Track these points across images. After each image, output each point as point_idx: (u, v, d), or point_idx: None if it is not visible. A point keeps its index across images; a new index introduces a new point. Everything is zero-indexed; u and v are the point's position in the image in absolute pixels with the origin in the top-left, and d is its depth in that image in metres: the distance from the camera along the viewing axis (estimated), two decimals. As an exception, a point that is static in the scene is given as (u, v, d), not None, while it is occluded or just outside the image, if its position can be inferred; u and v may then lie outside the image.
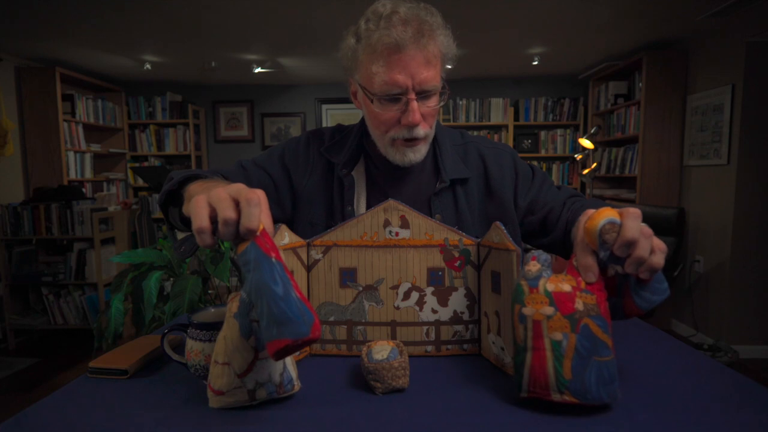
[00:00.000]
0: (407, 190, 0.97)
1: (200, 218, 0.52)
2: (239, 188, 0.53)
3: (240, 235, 0.52)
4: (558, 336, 0.56)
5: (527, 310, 0.57)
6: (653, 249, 0.55)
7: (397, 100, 0.84)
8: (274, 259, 0.51)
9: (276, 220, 0.94)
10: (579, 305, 0.56)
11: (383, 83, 0.82)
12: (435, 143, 0.98)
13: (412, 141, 0.88)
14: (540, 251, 0.63)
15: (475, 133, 4.79)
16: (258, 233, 0.52)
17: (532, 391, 0.57)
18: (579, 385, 0.55)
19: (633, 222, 0.54)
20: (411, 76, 0.81)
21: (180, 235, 0.77)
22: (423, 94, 0.84)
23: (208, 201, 0.53)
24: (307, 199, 0.98)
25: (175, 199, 0.76)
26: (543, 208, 0.96)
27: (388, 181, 0.97)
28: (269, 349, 0.50)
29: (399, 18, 0.80)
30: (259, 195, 0.53)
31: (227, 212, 0.51)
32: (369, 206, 0.96)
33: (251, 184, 0.82)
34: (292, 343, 0.49)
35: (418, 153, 0.89)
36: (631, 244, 0.54)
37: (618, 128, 4.08)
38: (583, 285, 0.57)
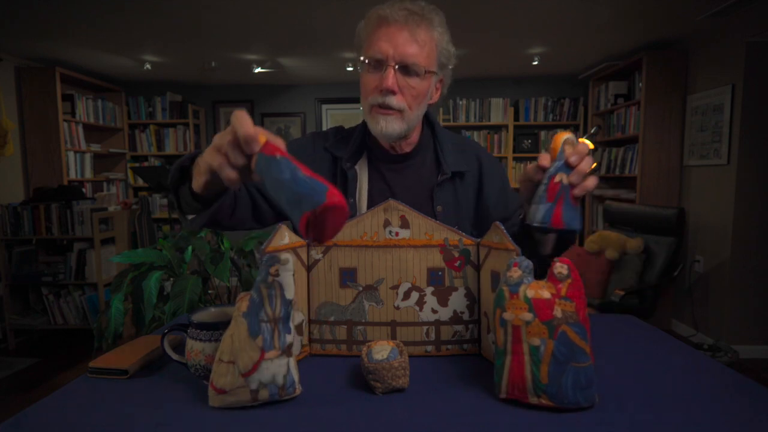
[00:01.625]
0: (409, 182, 1.00)
1: (212, 156, 0.58)
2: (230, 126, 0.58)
3: (246, 150, 0.55)
4: (536, 341, 0.58)
5: (507, 315, 0.60)
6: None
7: (378, 68, 0.90)
8: (279, 157, 0.53)
9: (283, 214, 0.96)
10: (557, 312, 0.58)
11: (369, 49, 0.89)
12: (435, 139, 1.04)
13: (385, 109, 0.91)
14: (522, 257, 0.63)
15: (475, 133, 4.80)
16: (260, 143, 0.54)
17: (511, 393, 0.59)
18: (555, 389, 0.57)
19: (584, 147, 0.70)
20: (393, 46, 0.87)
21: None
22: (405, 69, 0.89)
23: (214, 148, 0.58)
24: None
25: (185, 178, 0.77)
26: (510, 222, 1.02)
27: (390, 174, 1.00)
28: (302, 231, 0.52)
29: (401, 4, 0.89)
30: (242, 113, 0.56)
31: (227, 137, 0.56)
32: (371, 199, 0.98)
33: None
34: (312, 214, 0.51)
35: (390, 124, 0.92)
36: (581, 157, 0.69)
37: (618, 128, 4.08)
38: (563, 292, 0.59)
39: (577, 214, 0.70)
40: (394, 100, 0.90)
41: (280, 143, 0.56)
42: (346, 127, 1.08)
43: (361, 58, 0.92)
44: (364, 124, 1.01)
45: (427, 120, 1.04)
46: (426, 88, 0.92)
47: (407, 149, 1.00)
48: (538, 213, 0.70)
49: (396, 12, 0.87)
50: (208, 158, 0.59)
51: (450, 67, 0.97)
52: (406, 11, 0.87)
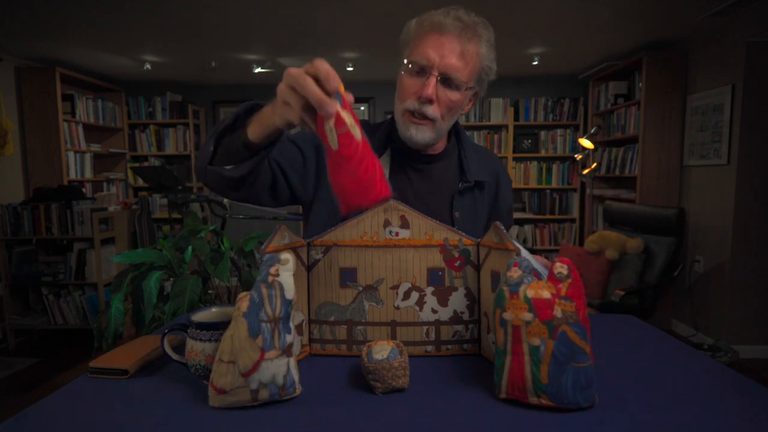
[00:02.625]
0: (430, 184, 1.01)
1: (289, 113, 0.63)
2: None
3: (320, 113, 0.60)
4: (536, 341, 0.58)
5: (507, 315, 0.60)
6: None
7: (421, 74, 0.90)
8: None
9: (297, 197, 0.99)
10: (557, 312, 0.58)
11: (416, 53, 0.90)
12: (460, 145, 1.05)
13: (419, 117, 0.92)
14: (522, 257, 0.63)
15: (475, 133, 4.80)
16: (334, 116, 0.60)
17: (511, 393, 0.59)
18: (555, 389, 0.57)
19: None
20: (441, 56, 0.88)
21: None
22: (446, 80, 0.89)
23: (288, 85, 0.62)
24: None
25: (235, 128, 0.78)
26: None
27: (413, 174, 1.01)
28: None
29: (455, 14, 0.89)
30: (326, 68, 0.62)
31: (300, 101, 0.62)
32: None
33: (283, 155, 0.94)
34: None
35: (421, 134, 0.93)
36: None
37: (618, 128, 4.08)
38: (563, 292, 0.59)
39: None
40: (431, 110, 0.90)
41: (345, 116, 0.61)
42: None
43: (405, 60, 0.92)
44: (391, 120, 1.01)
45: (454, 127, 1.05)
46: (461, 101, 0.93)
47: (432, 152, 1.01)
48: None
49: (451, 22, 0.88)
50: (288, 114, 0.63)
51: (487, 82, 0.97)
52: (460, 23, 0.88)
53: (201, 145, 0.84)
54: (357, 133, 0.62)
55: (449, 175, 1.02)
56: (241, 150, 0.75)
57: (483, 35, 0.91)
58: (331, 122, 0.60)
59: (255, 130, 0.72)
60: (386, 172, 1.01)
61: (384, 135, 1.02)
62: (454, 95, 0.90)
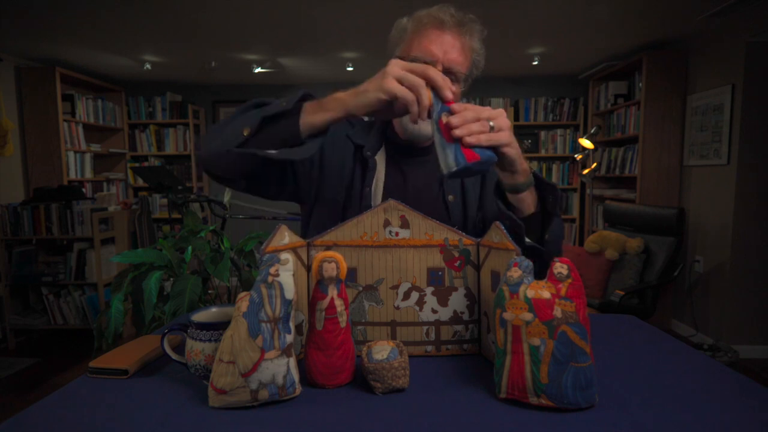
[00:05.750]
0: (424, 176, 1.02)
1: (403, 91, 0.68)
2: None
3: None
4: (536, 341, 0.58)
5: (507, 315, 0.60)
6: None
7: None
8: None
9: (300, 193, 1.00)
10: (557, 312, 0.58)
11: (419, 50, 0.90)
12: None
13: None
14: (522, 257, 0.63)
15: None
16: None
17: (511, 393, 0.59)
18: (555, 389, 0.56)
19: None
20: (444, 51, 0.90)
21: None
22: (449, 75, 0.90)
23: (394, 77, 0.68)
24: (330, 175, 1.01)
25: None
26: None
27: (407, 168, 1.02)
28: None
29: (449, 11, 0.92)
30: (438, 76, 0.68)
31: (420, 81, 0.68)
32: (386, 190, 1.00)
33: None
34: None
35: (426, 127, 0.93)
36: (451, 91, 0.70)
37: (618, 128, 4.08)
38: (563, 292, 0.59)
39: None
40: None
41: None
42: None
43: (401, 56, 0.92)
44: None
45: None
46: (459, 95, 0.95)
47: (426, 144, 1.03)
48: (448, 158, 0.67)
49: (448, 18, 0.90)
50: (398, 91, 0.68)
51: (473, 77, 0.99)
52: (456, 19, 0.90)
53: (216, 127, 0.84)
54: (343, 321, 0.66)
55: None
56: (288, 138, 0.75)
57: (476, 30, 0.94)
58: (324, 304, 0.64)
59: (318, 117, 0.74)
60: (382, 168, 1.02)
61: (379, 132, 1.03)
62: (456, 89, 0.91)
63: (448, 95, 0.68)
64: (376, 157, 1.02)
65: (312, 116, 0.74)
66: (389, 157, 1.03)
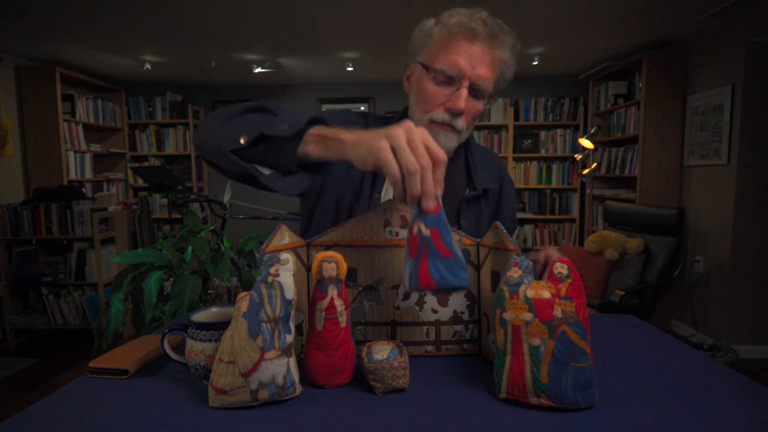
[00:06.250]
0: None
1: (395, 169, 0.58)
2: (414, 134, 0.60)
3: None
4: (536, 341, 0.58)
5: (507, 315, 0.60)
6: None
7: (450, 83, 0.86)
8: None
9: (307, 188, 0.96)
10: (557, 312, 0.58)
11: (446, 62, 0.85)
12: (468, 150, 1.01)
13: (448, 128, 0.88)
14: (522, 258, 0.63)
15: (475, 133, 4.80)
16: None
17: (511, 393, 0.59)
18: (555, 389, 0.57)
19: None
20: (472, 66, 0.84)
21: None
22: (474, 91, 0.86)
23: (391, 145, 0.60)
24: (338, 174, 0.96)
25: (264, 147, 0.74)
26: None
27: None
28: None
29: (481, 17, 0.84)
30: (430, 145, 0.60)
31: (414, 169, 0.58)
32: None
33: None
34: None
35: (449, 141, 0.90)
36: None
37: (618, 128, 4.08)
38: (563, 292, 0.59)
39: (450, 266, 0.60)
40: (461, 122, 0.87)
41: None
42: None
43: (423, 62, 0.87)
44: (401, 118, 0.97)
45: None
46: (482, 110, 0.91)
47: None
48: (405, 274, 0.62)
49: (481, 27, 0.83)
50: (387, 165, 0.59)
51: (497, 94, 0.95)
52: (488, 29, 0.84)
53: (215, 117, 0.80)
54: (343, 321, 0.65)
55: (457, 180, 0.99)
56: (282, 162, 0.73)
57: (507, 39, 0.88)
58: (324, 304, 0.64)
59: (316, 151, 0.70)
60: None
61: None
62: (480, 105, 0.88)
63: (430, 206, 0.59)
64: None
65: (310, 147, 0.71)
66: None
